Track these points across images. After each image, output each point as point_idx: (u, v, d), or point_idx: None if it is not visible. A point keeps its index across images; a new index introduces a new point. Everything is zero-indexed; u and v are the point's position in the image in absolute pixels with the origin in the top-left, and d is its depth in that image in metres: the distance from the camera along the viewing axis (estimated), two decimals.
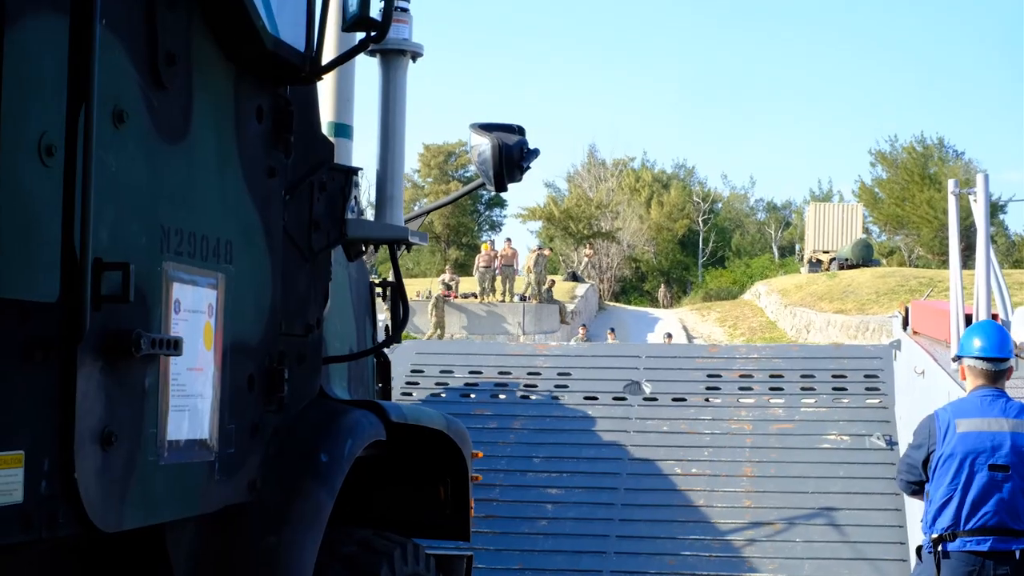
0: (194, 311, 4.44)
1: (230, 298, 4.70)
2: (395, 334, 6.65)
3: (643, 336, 50.11)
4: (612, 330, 41.97)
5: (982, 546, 7.29)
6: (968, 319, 13.95)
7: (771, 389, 12.57)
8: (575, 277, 61.11)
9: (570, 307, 50.10)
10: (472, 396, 12.59)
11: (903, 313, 16.21)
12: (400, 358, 12.93)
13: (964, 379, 7.81)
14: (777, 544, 10.29)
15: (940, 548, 7.38)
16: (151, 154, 4.18)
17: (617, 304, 72.12)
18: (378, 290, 7.75)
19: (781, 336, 53.22)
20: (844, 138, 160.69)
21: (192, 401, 4.45)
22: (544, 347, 14.85)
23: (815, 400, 12.28)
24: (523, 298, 48.64)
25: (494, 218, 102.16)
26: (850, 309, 51.11)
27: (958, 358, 7.91)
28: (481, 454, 8.45)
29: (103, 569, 4.48)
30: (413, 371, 13.04)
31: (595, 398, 12.54)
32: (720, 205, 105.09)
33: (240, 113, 4.83)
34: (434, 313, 45.51)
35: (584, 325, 42.77)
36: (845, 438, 11.50)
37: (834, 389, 12.50)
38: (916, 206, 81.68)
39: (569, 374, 13.06)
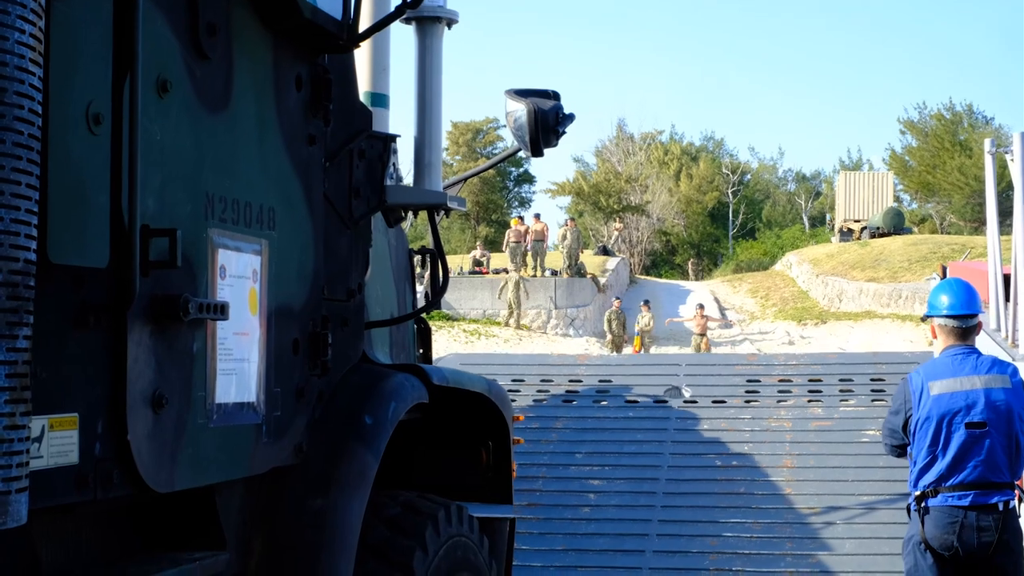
0: (239, 277, 4.49)
1: (274, 264, 4.74)
2: (435, 300, 6.70)
3: (675, 309, 50.02)
4: (646, 302, 41.81)
5: (963, 500, 7.36)
6: (1007, 280, 13.95)
7: (810, 392, 12.64)
8: (606, 251, 60.93)
9: (602, 280, 49.99)
10: (514, 401, 12.45)
11: (941, 275, 16.19)
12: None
13: (935, 338, 7.82)
14: (818, 526, 10.37)
15: (923, 504, 7.47)
16: (194, 123, 4.22)
17: (648, 277, 72.03)
18: (416, 257, 7.81)
19: (813, 306, 53.04)
20: (873, 106, 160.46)
21: (239, 365, 4.50)
22: (585, 358, 14.96)
23: (854, 402, 12.35)
24: (554, 273, 48.55)
25: (523, 194, 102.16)
26: (882, 277, 50.97)
27: (927, 317, 7.93)
28: (522, 417, 8.51)
29: (156, 530, 4.53)
30: None
31: (635, 402, 12.66)
32: (749, 177, 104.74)
33: (279, 82, 4.86)
34: (513, 295, 45.33)
35: (619, 298, 42.67)
36: None
37: (872, 391, 12.56)
38: (947, 173, 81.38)
39: (610, 381, 13.18)
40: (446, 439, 7.00)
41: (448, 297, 47.61)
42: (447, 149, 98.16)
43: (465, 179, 7.94)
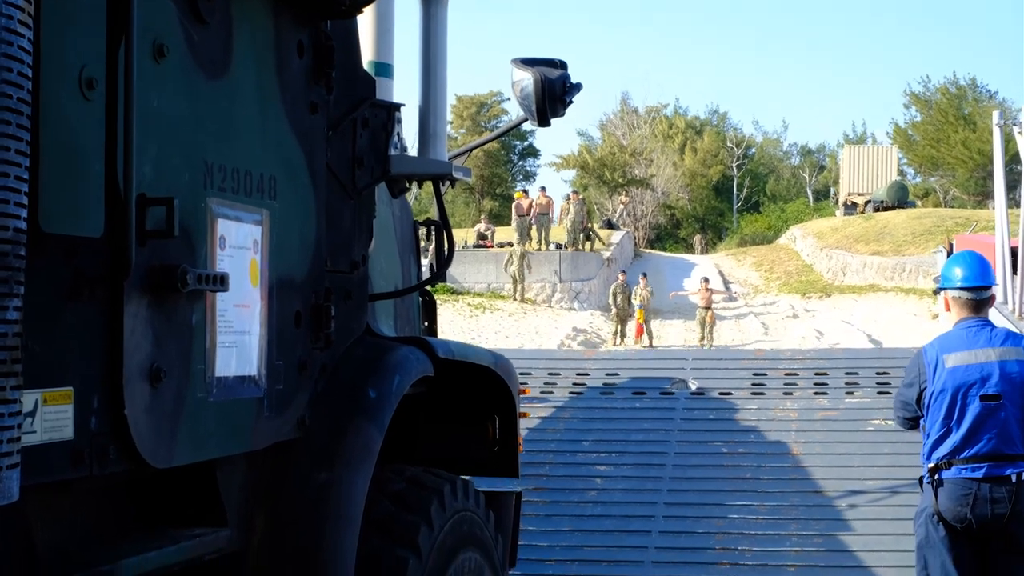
0: (239, 247, 4.38)
1: (275, 234, 4.63)
2: (440, 272, 6.59)
3: (679, 282, 49.91)
4: (644, 275, 41.61)
5: (977, 472, 7.28)
6: (1014, 253, 13.85)
7: (816, 384, 12.69)
8: (610, 224, 60.87)
9: (605, 254, 49.91)
10: (523, 392, 12.51)
11: (947, 248, 16.12)
12: None
13: (948, 311, 7.74)
14: (824, 508, 10.37)
15: (937, 477, 7.39)
16: (192, 89, 4.11)
17: (652, 251, 71.97)
18: (421, 229, 7.71)
19: (818, 279, 52.99)
20: (877, 80, 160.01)
21: (239, 338, 4.40)
22: (591, 353, 15.40)
23: (860, 394, 12.40)
24: (559, 246, 48.45)
25: (528, 168, 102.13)
26: (886, 251, 50.95)
27: (940, 290, 7.85)
28: (528, 390, 8.43)
29: (156, 507, 4.44)
30: None
31: (643, 393, 12.69)
32: (754, 150, 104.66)
33: (280, 48, 4.75)
34: (517, 269, 45.31)
35: (623, 271, 42.52)
36: (889, 422, 11.32)
37: (878, 383, 12.58)
38: (951, 147, 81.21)
39: (617, 374, 13.21)
40: (452, 413, 6.90)
41: (452, 271, 47.54)
42: (451, 123, 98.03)
43: (471, 150, 7.82)
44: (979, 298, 7.58)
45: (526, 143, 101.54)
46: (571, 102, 6.58)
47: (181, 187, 3.99)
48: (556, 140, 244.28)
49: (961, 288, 7.57)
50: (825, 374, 12.92)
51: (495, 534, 6.43)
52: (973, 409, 7.33)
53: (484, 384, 6.73)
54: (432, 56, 6.26)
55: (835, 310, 44.14)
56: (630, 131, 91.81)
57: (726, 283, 54.11)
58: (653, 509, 10.47)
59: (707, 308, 36.84)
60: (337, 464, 5.02)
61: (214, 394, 4.23)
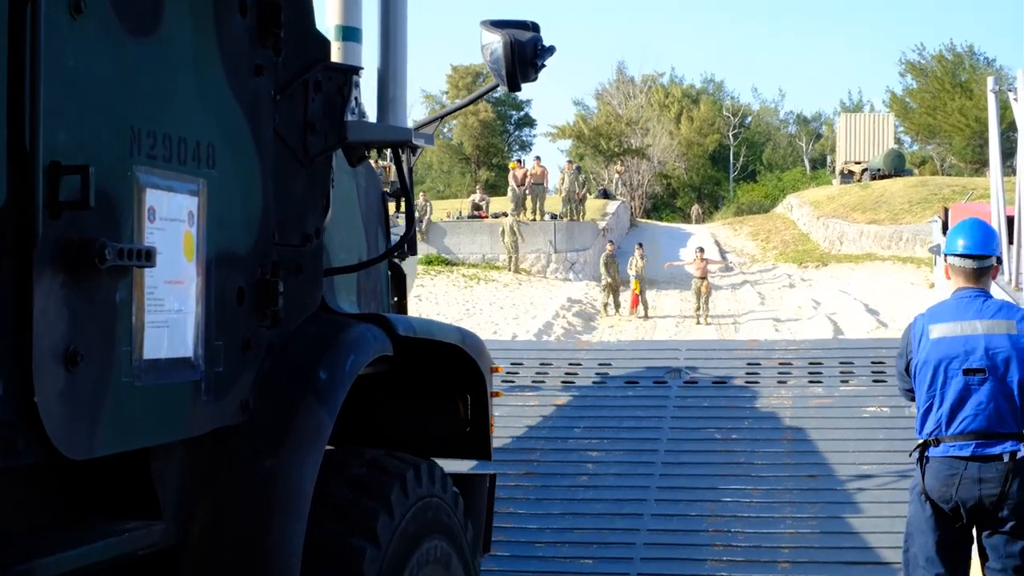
0: (172, 219, 4.06)
1: (214, 205, 4.32)
2: (399, 244, 6.21)
3: (676, 252, 49.72)
4: (640, 245, 41.38)
5: (964, 451, 7.01)
6: (1010, 221, 13.56)
7: (810, 373, 12.55)
8: (606, 194, 60.72)
9: (601, 224, 49.70)
10: (513, 382, 12.63)
11: (943, 217, 15.89)
12: None
13: (948, 279, 7.49)
14: (819, 492, 10.22)
15: (925, 454, 7.17)
16: (116, 48, 3.79)
17: (649, 221, 71.86)
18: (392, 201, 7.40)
19: (814, 248, 52.96)
20: (873, 48, 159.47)
21: (172, 317, 4.08)
22: (584, 344, 15.05)
23: (855, 382, 12.27)
24: (554, 216, 48.30)
25: (524, 138, 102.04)
26: (883, 219, 50.90)
27: (944, 257, 7.57)
28: (501, 368, 8.11)
29: (81, 500, 4.15)
30: None
31: (635, 382, 12.58)
32: (750, 119, 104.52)
33: (220, 6, 4.42)
34: (510, 239, 45.36)
35: (611, 241, 42.28)
36: (885, 409, 11.45)
37: (873, 372, 12.41)
38: (948, 115, 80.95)
39: (609, 364, 13.11)
40: (422, 392, 6.60)
41: (447, 242, 47.62)
42: (446, 93, 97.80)
43: (441, 118, 7.48)
44: (978, 267, 7.27)
45: (522, 113, 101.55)
46: (543, 66, 6.25)
47: (102, 154, 3.67)
48: (552, 110, 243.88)
49: (959, 255, 7.28)
50: (820, 363, 12.79)
51: (464, 520, 6.14)
52: (956, 383, 7.08)
53: (453, 362, 6.42)
54: (391, 15, 5.87)
55: (832, 279, 44.15)
56: (626, 100, 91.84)
57: (722, 253, 53.99)
58: (645, 493, 10.32)
59: (702, 278, 36.57)
60: (283, 449, 4.70)
61: (143, 378, 3.92)
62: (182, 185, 4.12)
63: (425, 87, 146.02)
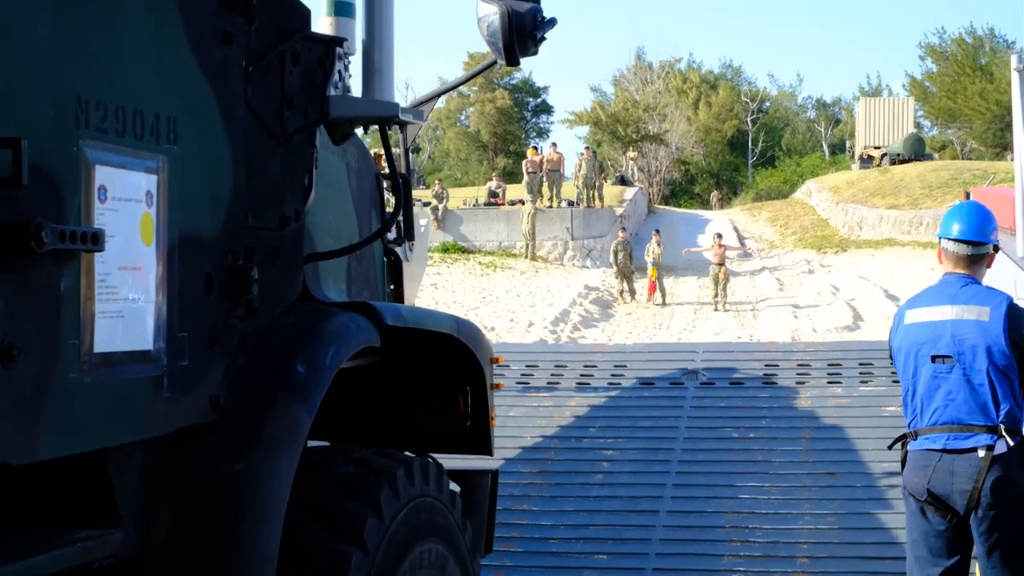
0: (126, 200, 3.70)
1: (177, 185, 3.95)
2: (388, 226, 5.79)
3: (693, 239, 49.45)
4: (657, 231, 41.07)
5: (936, 443, 6.67)
6: None
7: (829, 374, 12.35)
8: (623, 181, 60.44)
9: (619, 211, 49.39)
10: (528, 383, 12.53)
11: (964, 201, 15.59)
12: None
13: (941, 263, 7.10)
14: (838, 489, 10.01)
15: (905, 447, 6.90)
16: (57, 11, 3.44)
17: (667, 207, 71.63)
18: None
19: (833, 234, 52.64)
20: (892, 32, 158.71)
21: (128, 306, 3.72)
22: (600, 346, 14.97)
23: (874, 383, 12.04)
24: (571, 203, 48.05)
25: (541, 125, 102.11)
26: (903, 204, 50.57)
27: (938, 239, 7.22)
28: (502, 359, 7.75)
29: (34, 507, 3.80)
30: None
31: (651, 383, 12.43)
32: (768, 104, 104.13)
33: None
34: (529, 226, 45.21)
35: (624, 228, 41.94)
36: None
37: (893, 372, 12.07)
38: (968, 98, 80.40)
39: (625, 366, 12.95)
40: (420, 385, 6.26)
41: (463, 229, 47.44)
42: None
43: (438, 95, 7.09)
44: (972, 253, 6.88)
45: (539, 100, 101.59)
46: (543, 38, 5.91)
47: (42, 127, 3.31)
48: (569, 97, 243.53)
49: (955, 240, 6.89)
50: (839, 364, 12.58)
51: (462, 521, 5.80)
52: (925, 371, 6.76)
53: (451, 354, 6.06)
54: None
55: (851, 265, 43.88)
56: (643, 86, 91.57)
57: (741, 239, 53.69)
58: (661, 491, 10.13)
59: (720, 264, 36.22)
60: (256, 450, 4.32)
61: (94, 373, 3.55)
62: (138, 162, 3.75)
63: (442, 74, 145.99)
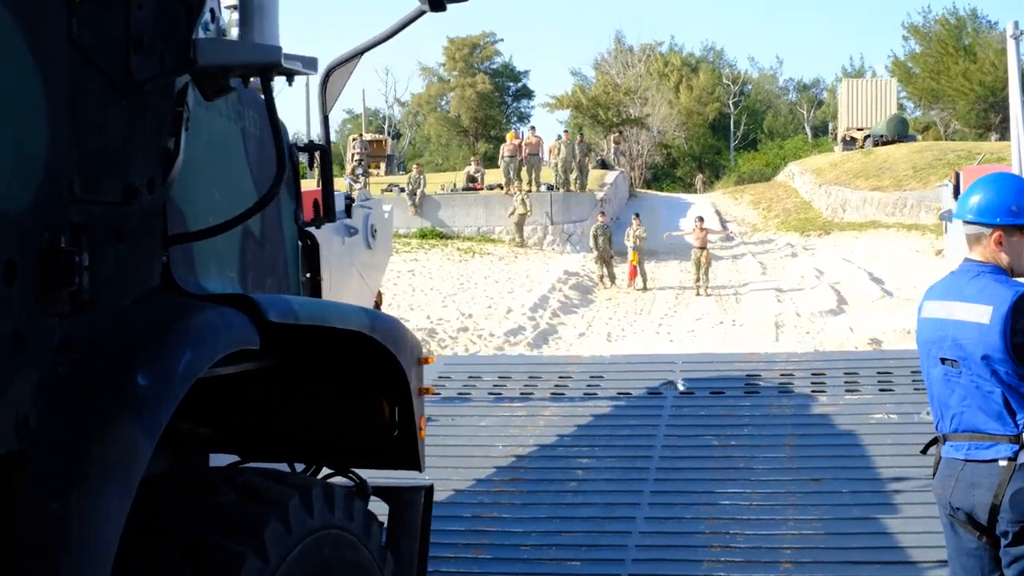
0: None
1: None
2: (268, 198, 4.63)
3: (675, 222, 48.80)
4: (637, 215, 40.47)
5: (959, 452, 5.96)
6: None
7: (813, 384, 12.16)
8: (604, 165, 59.87)
9: (599, 195, 48.76)
10: (500, 394, 12.39)
11: (953, 181, 14.87)
12: (427, 369, 13.26)
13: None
14: (823, 495, 9.70)
15: (938, 452, 6.17)
16: None
17: (649, 191, 71.34)
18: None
19: (816, 216, 52.48)
20: (875, 11, 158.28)
21: None
22: (576, 358, 14.94)
23: (860, 391, 11.86)
24: (550, 187, 47.47)
25: (522, 109, 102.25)
26: (887, 186, 50.53)
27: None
28: (433, 359, 6.83)
29: None
30: (440, 377, 12.73)
31: (628, 393, 12.25)
32: (750, 87, 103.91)
33: None
34: (519, 214, 44.87)
35: (603, 212, 41.24)
36: (893, 416, 11.06)
37: (879, 382, 12.07)
38: (951, 79, 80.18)
39: (602, 377, 12.82)
40: (346, 391, 5.33)
41: (441, 215, 46.97)
42: (443, 65, 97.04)
43: (361, 52, 6.16)
44: (969, 233, 6.07)
45: (520, 84, 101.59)
46: None
47: None
48: (550, 81, 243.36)
49: (964, 220, 6.09)
50: (823, 374, 12.43)
51: (381, 551, 4.86)
52: (937, 373, 6.05)
53: (374, 354, 5.11)
54: None
55: (835, 247, 43.70)
56: (624, 70, 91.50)
57: (723, 222, 53.37)
58: (638, 497, 9.78)
59: (702, 248, 35.58)
60: (77, 485, 3.32)
61: None
62: None
63: (422, 59, 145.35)
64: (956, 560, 6.13)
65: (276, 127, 4.39)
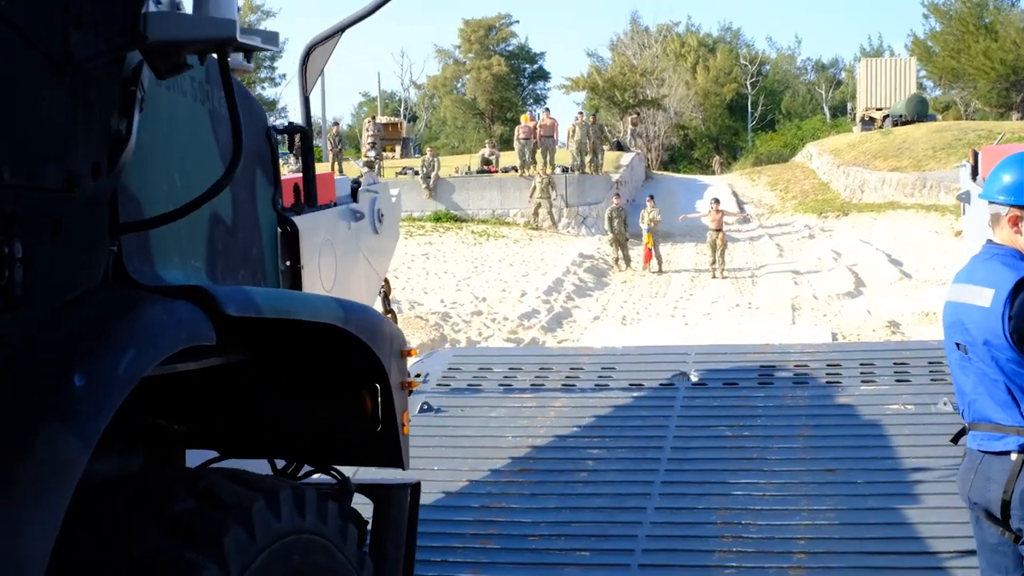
0: None
1: None
2: (224, 182, 4.24)
3: (692, 204, 48.61)
4: (651, 197, 40.23)
5: (975, 444, 5.76)
6: None
7: (828, 375, 11.91)
8: (620, 146, 59.55)
9: (615, 177, 48.45)
10: (511, 385, 12.22)
11: (971, 162, 14.50)
12: (437, 361, 13.11)
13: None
14: (837, 485, 9.52)
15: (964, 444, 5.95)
16: None
17: (666, 172, 71.08)
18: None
19: (835, 197, 52.15)
20: None
21: None
22: (588, 350, 14.57)
23: (877, 383, 11.58)
24: (565, 169, 47.18)
25: (538, 91, 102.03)
26: (906, 166, 50.04)
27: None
28: (416, 352, 6.55)
29: None
30: (450, 369, 12.71)
31: (640, 384, 12.04)
32: (768, 67, 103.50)
33: None
34: (539, 198, 44.90)
35: (618, 195, 40.96)
36: (910, 407, 10.84)
37: (896, 373, 11.79)
38: (972, 58, 79.52)
39: (613, 368, 12.62)
40: (327, 385, 5.08)
41: (456, 197, 46.78)
42: (458, 47, 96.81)
43: (342, 30, 5.89)
44: (990, 213, 5.80)
45: (536, 66, 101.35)
46: None
47: None
48: (566, 63, 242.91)
49: (990, 202, 5.80)
50: (838, 365, 12.15)
51: (359, 555, 4.59)
52: (954, 358, 5.83)
53: (353, 347, 4.84)
54: None
55: (853, 229, 43.45)
56: (641, 51, 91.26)
57: (740, 204, 53.14)
58: (649, 488, 9.61)
59: (718, 230, 35.26)
60: (4, 498, 3.02)
61: None
62: None
63: (437, 42, 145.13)
64: (982, 555, 5.93)
65: (233, 106, 4.08)
